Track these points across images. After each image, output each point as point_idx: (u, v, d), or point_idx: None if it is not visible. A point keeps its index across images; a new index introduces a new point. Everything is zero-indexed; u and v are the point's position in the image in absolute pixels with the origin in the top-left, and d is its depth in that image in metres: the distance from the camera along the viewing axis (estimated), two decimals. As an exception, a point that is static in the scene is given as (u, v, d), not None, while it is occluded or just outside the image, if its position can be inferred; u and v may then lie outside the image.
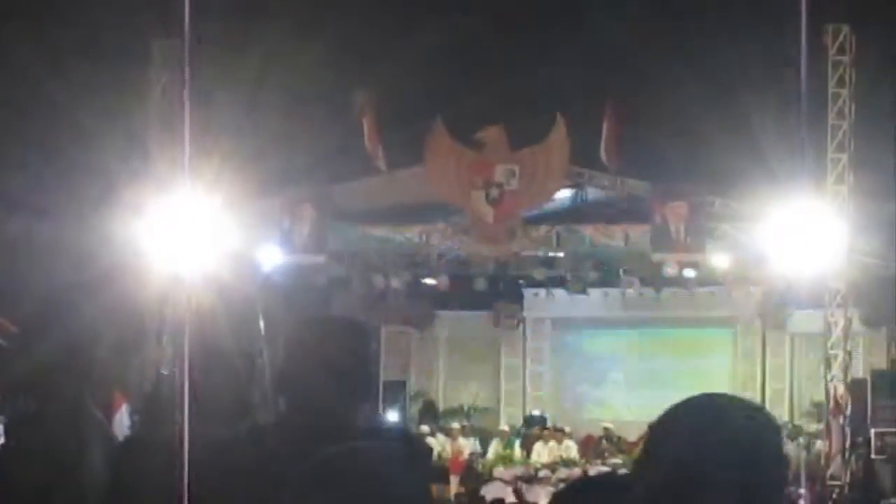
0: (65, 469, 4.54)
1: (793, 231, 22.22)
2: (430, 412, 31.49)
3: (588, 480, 4.09)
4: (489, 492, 26.43)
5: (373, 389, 4.75)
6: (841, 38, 24.45)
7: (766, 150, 20.99)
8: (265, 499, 3.44)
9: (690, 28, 26.71)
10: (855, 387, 24.89)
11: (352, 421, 4.49)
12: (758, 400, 23.96)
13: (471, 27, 26.54)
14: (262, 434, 4.48)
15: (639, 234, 26.46)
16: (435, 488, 22.44)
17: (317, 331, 4.74)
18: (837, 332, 24.88)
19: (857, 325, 26.46)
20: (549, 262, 27.80)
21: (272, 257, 26.41)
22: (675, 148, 24.58)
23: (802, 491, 23.84)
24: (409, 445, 4.95)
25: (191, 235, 20.45)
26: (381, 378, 30.28)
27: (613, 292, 29.32)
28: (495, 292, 30.27)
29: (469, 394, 32.53)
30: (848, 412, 24.58)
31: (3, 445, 5.11)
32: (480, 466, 27.91)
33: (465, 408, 31.95)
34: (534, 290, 31.51)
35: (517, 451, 28.71)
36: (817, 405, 27.41)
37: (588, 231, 27.06)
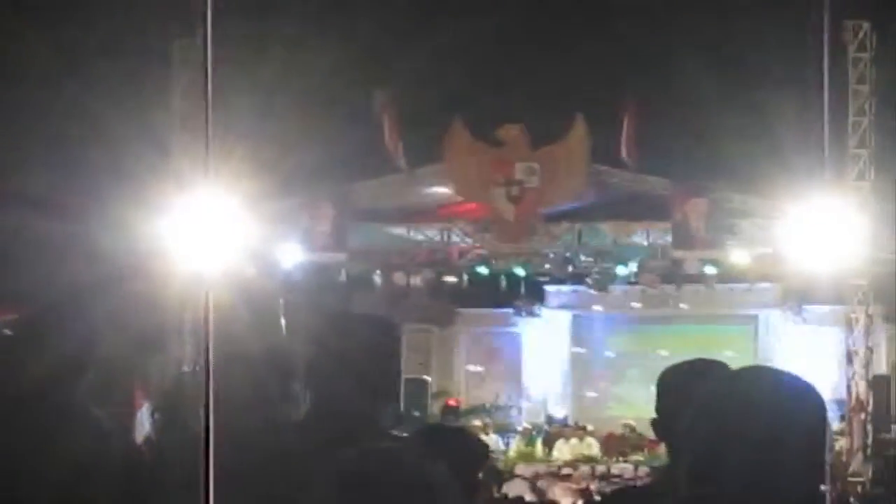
0: (53, 471, 4.49)
1: (813, 227, 22.16)
2: (451, 410, 31.45)
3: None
4: (511, 489, 26.42)
5: (397, 387, 4.74)
6: (861, 34, 24.38)
7: (787, 146, 20.95)
8: (287, 497, 3.45)
9: (710, 24, 26.67)
10: (877, 383, 24.82)
11: (375, 419, 4.48)
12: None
13: (490, 26, 26.54)
14: (283, 433, 4.47)
15: (659, 230, 26.45)
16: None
17: (343, 328, 4.73)
18: (859, 328, 24.82)
19: (878, 322, 26.36)
20: (571, 260, 27.79)
21: (292, 255, 26.44)
22: (695, 145, 24.55)
23: (824, 488, 23.74)
24: (464, 444, 4.95)
25: (211, 234, 20.48)
26: (403, 376, 30.30)
27: (634, 289, 29.27)
28: (516, 290, 30.25)
29: (490, 391, 32.49)
30: (870, 409, 24.52)
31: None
32: (502, 464, 27.88)
33: (487, 406, 31.91)
34: (555, 288, 31.51)
35: (539, 449, 28.68)
36: (839, 402, 27.32)
37: (609, 228, 27.04)
